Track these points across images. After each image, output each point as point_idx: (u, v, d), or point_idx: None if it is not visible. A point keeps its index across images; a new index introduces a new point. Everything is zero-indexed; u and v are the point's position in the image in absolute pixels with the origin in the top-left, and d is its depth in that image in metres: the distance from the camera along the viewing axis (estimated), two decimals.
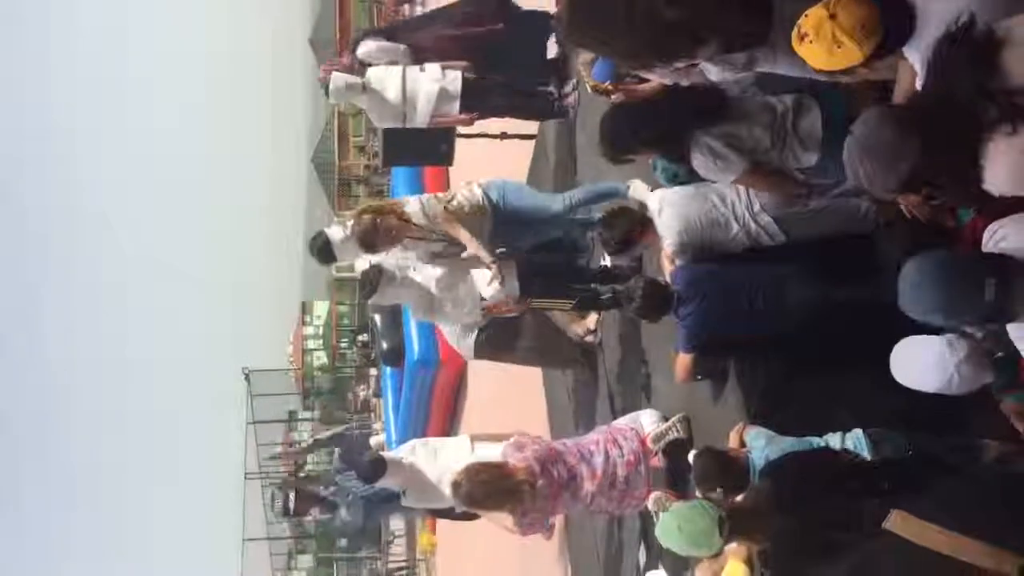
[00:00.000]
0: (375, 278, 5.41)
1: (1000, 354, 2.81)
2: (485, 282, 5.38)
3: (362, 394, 28.14)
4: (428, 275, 5.49)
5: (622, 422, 4.78)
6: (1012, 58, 2.15)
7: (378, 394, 22.15)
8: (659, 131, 3.64)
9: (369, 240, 5.25)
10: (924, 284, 2.34)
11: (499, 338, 5.81)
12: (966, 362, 2.71)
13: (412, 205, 5.45)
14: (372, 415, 25.52)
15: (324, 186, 34.15)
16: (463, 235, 5.32)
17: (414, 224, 5.33)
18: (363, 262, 5.78)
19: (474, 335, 5.76)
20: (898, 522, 1.96)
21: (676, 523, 2.96)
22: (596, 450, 4.47)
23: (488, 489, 4.22)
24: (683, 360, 4.16)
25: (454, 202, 5.49)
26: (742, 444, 3.83)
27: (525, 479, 4.25)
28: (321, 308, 39.55)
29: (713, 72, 3.31)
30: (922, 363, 2.79)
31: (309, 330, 38.95)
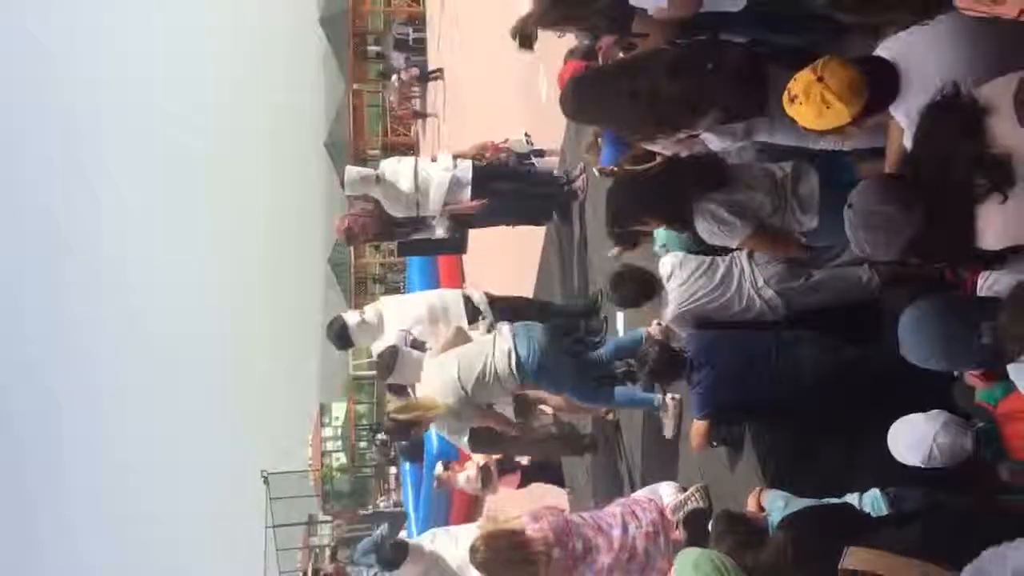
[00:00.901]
0: (391, 359, 5.50)
1: (981, 424, 2.88)
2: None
3: (382, 504, 27.87)
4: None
5: (640, 494, 4.77)
6: (996, 125, 2.25)
7: (400, 503, 21.97)
8: (663, 201, 3.75)
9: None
10: (922, 330, 2.41)
11: (494, 433, 5.84)
12: (943, 431, 2.80)
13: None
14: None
15: (340, 285, 34.52)
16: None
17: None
18: (380, 344, 5.87)
19: (467, 436, 5.78)
20: (853, 558, 2.00)
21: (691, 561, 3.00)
22: (614, 522, 4.45)
23: (504, 556, 4.21)
24: (698, 426, 4.20)
25: (488, 370, 5.24)
26: (760, 508, 3.83)
27: (541, 550, 4.23)
28: (339, 409, 39.53)
29: (714, 142, 3.45)
30: (904, 441, 2.92)
31: (327, 431, 38.88)
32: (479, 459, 7.59)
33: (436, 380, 5.25)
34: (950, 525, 2.33)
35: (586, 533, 4.40)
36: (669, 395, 5.23)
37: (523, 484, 7.89)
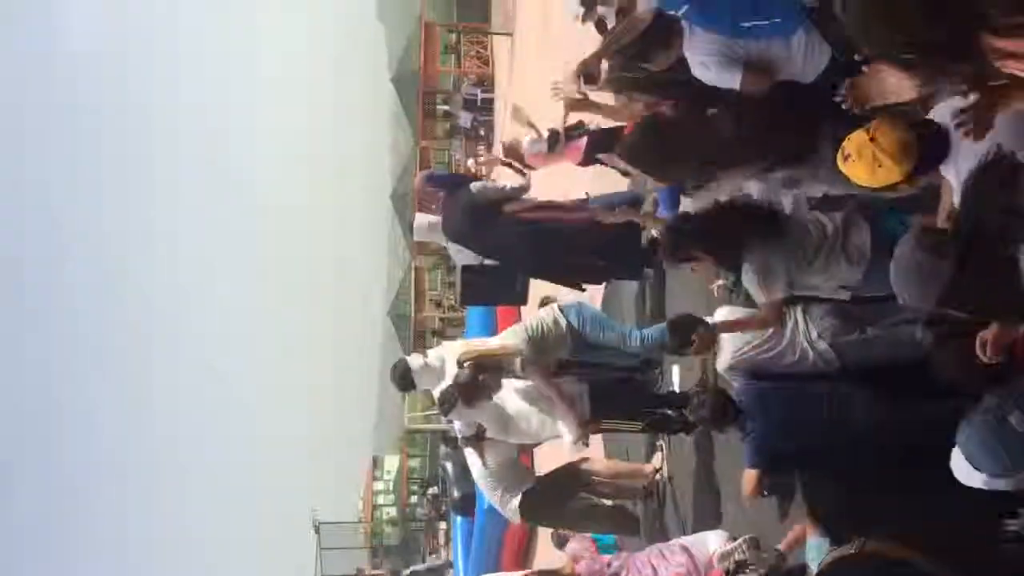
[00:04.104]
0: (453, 397, 5.66)
1: None
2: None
3: (431, 560, 27.79)
4: (504, 394, 5.75)
5: (686, 540, 4.87)
6: None
7: (450, 562, 22.00)
8: (715, 241, 3.90)
9: (469, 395, 5.64)
10: (983, 455, 2.50)
11: (546, 497, 6.02)
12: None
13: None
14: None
15: (400, 339, 34.89)
16: (553, 394, 5.63)
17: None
18: (442, 387, 6.04)
19: (517, 499, 6.00)
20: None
21: None
22: (642, 566, 4.58)
23: None
24: (750, 475, 4.27)
25: (535, 326, 5.79)
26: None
27: None
28: (392, 463, 39.65)
29: (755, 189, 3.61)
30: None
31: (379, 485, 38.97)
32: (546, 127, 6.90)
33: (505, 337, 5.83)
34: None
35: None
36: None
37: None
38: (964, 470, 2.56)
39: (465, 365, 5.64)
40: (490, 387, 5.61)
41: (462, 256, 7.00)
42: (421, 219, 6.83)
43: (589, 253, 6.13)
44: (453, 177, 7.78)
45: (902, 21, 1.98)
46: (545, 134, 6.56)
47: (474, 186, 6.31)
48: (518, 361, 5.62)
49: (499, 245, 6.28)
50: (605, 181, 7.53)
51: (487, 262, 6.82)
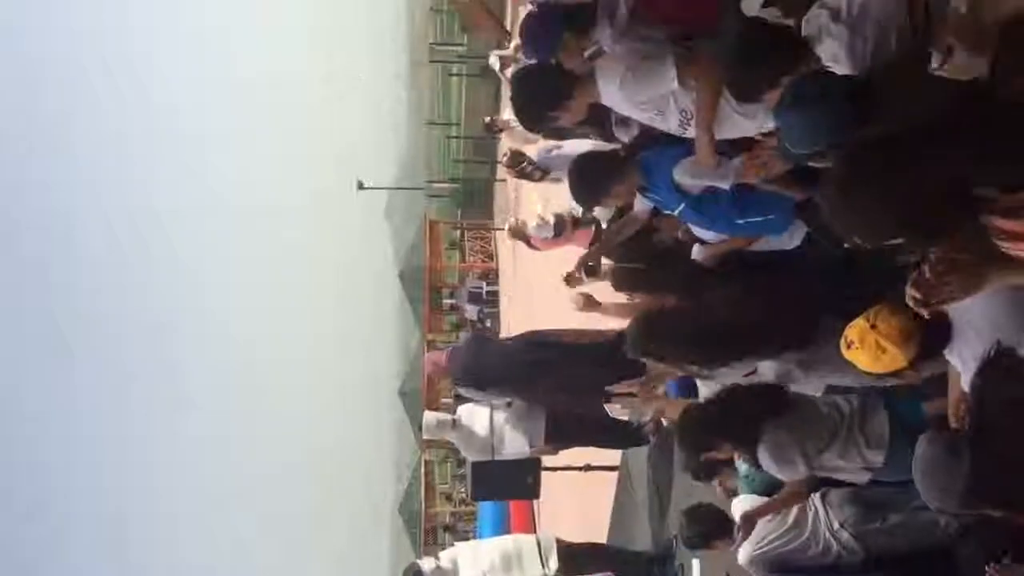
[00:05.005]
0: None
1: None
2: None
3: None
4: None
5: None
6: None
7: None
8: (730, 428, 3.87)
9: None
10: None
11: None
12: None
13: None
14: None
15: (410, 535, 34.05)
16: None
17: None
18: None
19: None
20: None
21: None
22: None
23: None
24: None
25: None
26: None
27: None
28: None
29: (769, 371, 3.62)
30: None
31: None
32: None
33: None
34: None
35: None
36: None
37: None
38: None
39: None
40: None
41: (471, 449, 6.97)
42: (430, 416, 6.85)
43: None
44: None
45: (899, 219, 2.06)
46: (551, 220, 6.62)
47: None
48: None
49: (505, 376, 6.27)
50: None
51: (496, 457, 6.78)
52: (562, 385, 6.08)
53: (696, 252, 4.11)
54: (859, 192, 2.11)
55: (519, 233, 6.82)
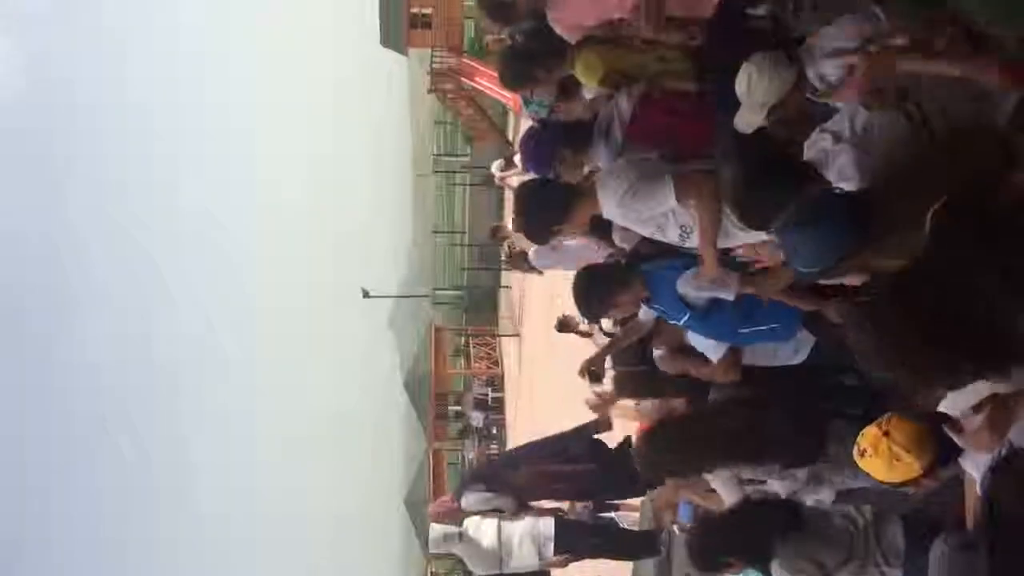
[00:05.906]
0: None
1: None
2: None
3: None
4: None
5: None
6: None
7: None
8: (742, 546, 3.78)
9: None
10: None
11: None
12: None
13: None
14: None
15: None
16: None
17: None
18: None
19: None
20: None
21: None
22: None
23: None
24: None
25: None
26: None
27: None
28: None
29: (779, 487, 3.56)
30: None
31: None
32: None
33: None
34: None
35: None
36: None
37: None
38: None
39: None
40: None
41: (480, 563, 6.83)
42: (437, 529, 6.73)
43: None
44: None
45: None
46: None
47: None
48: None
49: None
50: None
51: (506, 571, 6.63)
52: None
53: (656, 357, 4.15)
54: (905, 332, 2.01)
55: (567, 326, 7.09)
